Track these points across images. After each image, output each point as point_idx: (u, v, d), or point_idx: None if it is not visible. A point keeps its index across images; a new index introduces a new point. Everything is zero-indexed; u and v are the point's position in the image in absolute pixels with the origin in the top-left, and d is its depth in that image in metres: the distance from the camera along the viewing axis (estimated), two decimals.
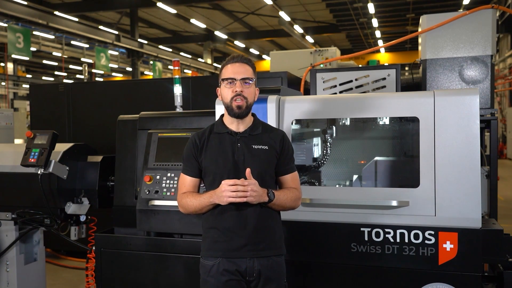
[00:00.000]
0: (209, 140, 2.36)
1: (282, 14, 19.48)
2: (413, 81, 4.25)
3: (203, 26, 23.44)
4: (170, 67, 25.52)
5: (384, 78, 3.87)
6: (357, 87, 3.96)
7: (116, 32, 21.22)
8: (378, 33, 24.80)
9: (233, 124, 2.36)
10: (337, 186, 3.41)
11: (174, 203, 3.07)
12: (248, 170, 2.19)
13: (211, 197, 2.22)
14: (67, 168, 3.53)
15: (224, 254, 2.28)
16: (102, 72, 21.81)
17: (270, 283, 2.31)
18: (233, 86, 2.29)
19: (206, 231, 2.36)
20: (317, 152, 3.53)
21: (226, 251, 2.28)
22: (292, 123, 2.96)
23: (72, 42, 21.41)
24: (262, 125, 2.42)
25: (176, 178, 3.13)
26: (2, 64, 24.45)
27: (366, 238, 2.75)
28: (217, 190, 2.19)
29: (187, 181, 2.39)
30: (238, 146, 2.32)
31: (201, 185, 2.45)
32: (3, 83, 24.48)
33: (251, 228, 2.27)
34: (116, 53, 23.99)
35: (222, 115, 2.44)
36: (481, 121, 3.18)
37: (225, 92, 2.31)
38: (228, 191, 2.14)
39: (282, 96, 3.03)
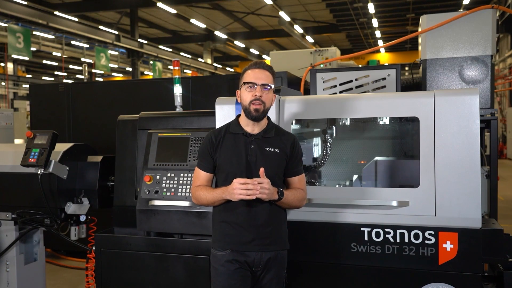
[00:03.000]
0: (225, 139, 2.51)
1: (282, 14, 19.48)
2: (413, 81, 4.25)
3: (203, 26, 23.45)
4: (170, 67, 25.52)
5: (384, 78, 3.87)
6: (357, 87, 3.96)
7: (116, 32, 21.22)
8: (378, 33, 24.80)
9: (248, 126, 2.50)
10: (337, 186, 3.41)
11: (174, 203, 3.08)
12: (261, 170, 2.33)
13: (223, 193, 2.38)
14: (67, 168, 3.53)
15: (234, 246, 2.45)
16: (102, 72, 21.82)
17: (273, 273, 2.49)
18: (253, 90, 2.43)
19: (217, 224, 2.52)
20: (317, 152, 3.53)
21: (235, 244, 2.44)
22: (292, 123, 2.96)
23: (72, 42, 21.42)
24: (275, 128, 2.57)
25: (176, 178, 3.13)
26: (2, 64, 24.46)
27: (366, 238, 2.75)
28: (229, 187, 2.34)
29: (201, 176, 2.55)
30: (251, 147, 2.46)
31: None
32: (3, 83, 24.49)
33: (259, 224, 2.43)
34: (116, 53, 23.99)
35: (238, 116, 2.57)
36: (481, 121, 3.17)
37: (245, 95, 2.46)
38: (238, 189, 2.29)
39: (282, 96, 3.03)
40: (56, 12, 17.98)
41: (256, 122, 2.48)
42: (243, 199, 2.31)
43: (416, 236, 2.67)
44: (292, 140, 2.55)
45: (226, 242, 2.47)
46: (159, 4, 18.29)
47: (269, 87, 2.46)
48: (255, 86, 2.43)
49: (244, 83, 2.47)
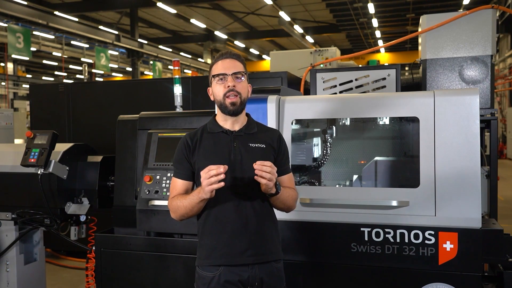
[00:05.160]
0: (202, 140, 2.25)
1: (282, 14, 19.49)
2: (413, 81, 4.25)
3: (203, 26, 23.45)
4: (170, 67, 25.54)
5: (384, 78, 3.87)
6: (357, 87, 3.96)
7: (116, 32, 21.24)
8: (378, 33, 24.81)
9: (227, 123, 2.26)
10: (337, 186, 3.41)
11: None
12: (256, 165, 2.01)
13: (199, 192, 2.07)
14: (67, 168, 3.53)
15: (225, 261, 2.16)
16: (102, 72, 21.84)
17: None
18: (225, 81, 2.19)
19: (203, 238, 2.24)
20: (317, 152, 3.53)
21: (227, 257, 2.16)
22: (292, 123, 2.96)
23: (72, 42, 21.44)
24: (257, 124, 2.35)
25: None
26: (2, 64, 24.47)
27: (366, 238, 2.75)
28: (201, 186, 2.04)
29: (178, 185, 2.27)
30: (234, 145, 2.22)
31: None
32: (3, 83, 24.50)
33: (252, 230, 2.17)
34: (116, 53, 24.02)
35: (214, 115, 2.33)
36: (481, 121, 3.17)
37: (217, 89, 2.21)
38: (205, 180, 1.98)
39: (282, 96, 3.02)
40: (56, 12, 18.00)
41: (235, 117, 2.23)
42: (214, 189, 1.98)
43: (416, 236, 2.67)
44: (277, 135, 2.33)
45: (216, 257, 2.17)
46: (159, 4, 18.29)
47: (241, 76, 2.22)
48: (226, 77, 2.18)
49: (214, 76, 2.22)
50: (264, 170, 1.99)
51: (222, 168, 1.98)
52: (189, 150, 2.25)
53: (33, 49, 17.61)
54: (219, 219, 2.18)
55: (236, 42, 26.75)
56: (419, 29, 3.88)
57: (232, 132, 2.24)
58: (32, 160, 3.38)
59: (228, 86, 2.18)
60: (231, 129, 2.25)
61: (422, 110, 2.71)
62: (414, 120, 2.85)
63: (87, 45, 21.72)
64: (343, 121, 3.37)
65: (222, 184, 1.99)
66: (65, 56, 22.26)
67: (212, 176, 1.96)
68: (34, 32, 18.18)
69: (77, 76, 31.09)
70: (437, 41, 3.70)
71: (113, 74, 29.29)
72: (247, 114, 2.34)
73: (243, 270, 2.16)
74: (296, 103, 2.97)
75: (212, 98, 2.27)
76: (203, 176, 2.00)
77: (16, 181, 3.64)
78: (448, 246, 2.62)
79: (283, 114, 2.94)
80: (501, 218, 3.90)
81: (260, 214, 2.20)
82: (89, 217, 3.78)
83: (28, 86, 9.91)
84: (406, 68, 4.94)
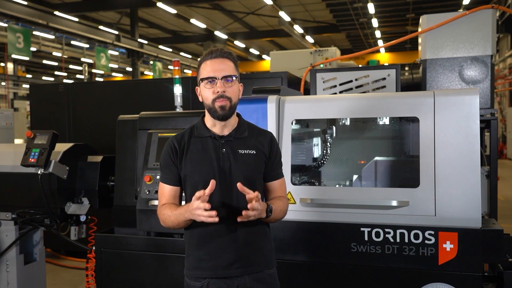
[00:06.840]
0: (190, 145, 2.13)
1: (282, 14, 19.48)
2: (413, 81, 4.25)
3: (203, 26, 23.45)
4: (170, 67, 25.55)
5: (384, 78, 3.88)
6: (357, 87, 3.97)
7: (116, 32, 21.25)
8: (378, 33, 24.80)
9: (216, 127, 2.12)
10: (337, 186, 3.41)
11: None
12: (239, 185, 1.93)
13: (185, 212, 1.97)
14: (67, 168, 3.53)
15: (212, 274, 2.07)
16: (102, 72, 21.85)
17: None
18: (214, 85, 2.05)
19: (190, 248, 2.15)
20: (317, 152, 3.53)
21: (214, 270, 2.07)
22: (292, 123, 2.96)
23: (72, 42, 21.46)
24: (248, 126, 2.21)
25: None
26: (2, 64, 24.48)
27: (366, 238, 2.75)
28: (189, 205, 1.93)
29: (166, 191, 2.15)
30: (223, 151, 2.09)
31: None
32: (3, 83, 24.51)
33: (241, 244, 2.07)
34: (116, 53, 24.04)
35: (203, 116, 2.19)
36: (481, 121, 3.18)
37: (206, 93, 2.07)
38: (199, 209, 1.89)
39: (282, 96, 3.03)
40: (56, 12, 18.00)
41: (224, 121, 2.10)
42: (206, 221, 1.90)
43: (416, 236, 2.67)
44: (269, 139, 2.19)
45: (203, 269, 2.08)
46: (159, 4, 18.28)
47: (232, 79, 2.06)
48: (216, 81, 2.04)
49: (202, 80, 2.07)
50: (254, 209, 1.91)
51: (214, 213, 1.88)
52: (176, 154, 2.13)
53: (33, 49, 17.62)
54: (207, 230, 2.08)
55: (236, 42, 26.75)
56: (419, 29, 3.88)
57: (221, 137, 2.12)
58: (32, 160, 3.39)
59: (218, 92, 2.04)
60: (220, 133, 2.12)
61: (422, 110, 2.71)
62: (414, 120, 2.85)
63: (87, 45, 21.73)
64: (343, 121, 3.38)
65: (217, 219, 1.89)
66: (65, 56, 22.27)
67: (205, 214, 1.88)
68: (34, 32, 18.19)
69: (77, 76, 31.09)
70: (437, 41, 3.70)
71: (113, 74, 29.29)
72: (238, 115, 2.21)
73: (232, 280, 2.08)
74: (296, 103, 2.97)
75: (200, 99, 2.14)
76: (198, 206, 1.89)
77: (16, 181, 3.64)
78: (448, 246, 2.62)
79: (283, 114, 2.95)
80: (501, 218, 3.90)
81: (250, 224, 2.05)
82: (89, 217, 3.78)
83: (28, 86, 9.91)
84: (406, 68, 4.94)
